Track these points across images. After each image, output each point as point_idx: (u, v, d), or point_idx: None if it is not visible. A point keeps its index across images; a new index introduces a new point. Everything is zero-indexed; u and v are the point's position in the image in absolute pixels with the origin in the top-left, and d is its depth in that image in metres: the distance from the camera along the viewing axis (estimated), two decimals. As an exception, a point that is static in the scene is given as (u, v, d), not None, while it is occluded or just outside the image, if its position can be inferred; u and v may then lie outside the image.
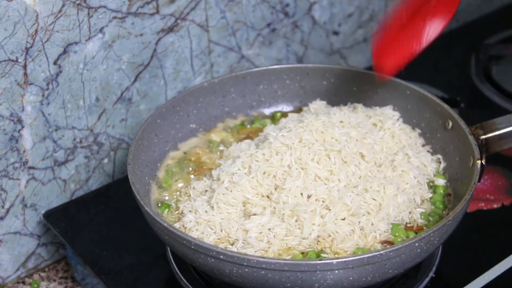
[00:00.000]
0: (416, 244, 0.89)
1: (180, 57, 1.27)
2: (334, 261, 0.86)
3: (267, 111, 1.24)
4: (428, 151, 1.12)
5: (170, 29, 1.23)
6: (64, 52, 1.12)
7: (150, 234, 1.00)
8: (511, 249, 1.08)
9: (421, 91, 1.14)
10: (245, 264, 0.88)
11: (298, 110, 1.23)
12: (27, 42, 1.07)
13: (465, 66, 1.50)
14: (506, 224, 1.14)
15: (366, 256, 0.87)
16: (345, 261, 0.86)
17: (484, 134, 1.04)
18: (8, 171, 1.13)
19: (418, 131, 1.15)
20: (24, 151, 1.14)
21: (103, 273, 1.07)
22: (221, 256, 0.89)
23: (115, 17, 1.15)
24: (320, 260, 0.86)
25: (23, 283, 1.22)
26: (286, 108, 1.24)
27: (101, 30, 1.14)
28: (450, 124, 1.09)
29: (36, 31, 1.07)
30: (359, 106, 1.18)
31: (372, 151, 1.08)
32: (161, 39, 1.22)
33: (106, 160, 1.26)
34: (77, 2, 1.09)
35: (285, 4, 1.36)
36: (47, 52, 1.10)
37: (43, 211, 1.20)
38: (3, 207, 1.15)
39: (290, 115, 1.19)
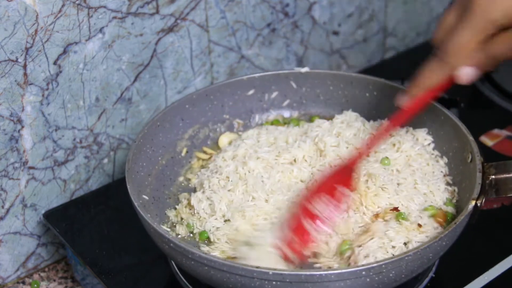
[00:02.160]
0: (363, 273, 0.87)
1: (180, 57, 1.27)
2: (270, 271, 0.86)
3: (307, 114, 1.23)
4: (448, 182, 1.08)
5: (170, 29, 1.23)
6: (64, 52, 1.12)
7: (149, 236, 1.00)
8: (511, 249, 1.08)
9: (453, 118, 1.09)
10: (189, 256, 0.91)
11: (332, 117, 1.19)
12: (27, 42, 1.07)
13: (465, 66, 1.50)
14: (506, 224, 1.14)
15: (304, 273, 0.87)
16: (281, 274, 0.86)
17: (496, 174, 0.98)
18: (8, 171, 1.13)
19: (445, 159, 1.11)
20: (24, 151, 1.14)
21: (103, 273, 1.07)
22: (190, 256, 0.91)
23: (115, 17, 1.15)
24: (257, 267, 0.87)
25: (23, 283, 1.22)
26: (325, 113, 1.22)
27: (101, 30, 1.14)
28: (470, 157, 1.04)
29: (36, 31, 1.07)
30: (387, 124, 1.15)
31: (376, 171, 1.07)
32: (161, 39, 1.22)
33: (106, 160, 1.26)
34: (77, 2, 1.10)
35: (285, 4, 1.36)
36: (47, 52, 1.10)
37: (43, 211, 1.20)
38: (3, 207, 1.15)
39: (316, 121, 1.18)
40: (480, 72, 0.94)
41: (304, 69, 1.21)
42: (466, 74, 0.94)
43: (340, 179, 1.02)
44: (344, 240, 0.98)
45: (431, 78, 0.96)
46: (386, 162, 1.07)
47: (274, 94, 1.23)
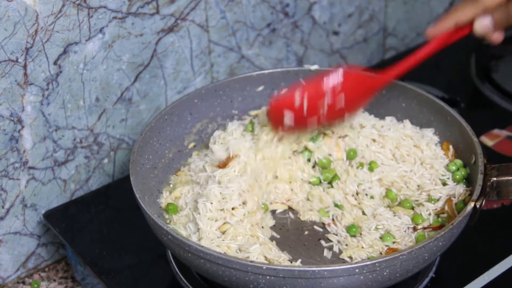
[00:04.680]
0: (357, 270, 0.88)
1: (180, 57, 1.27)
2: (264, 266, 0.88)
3: None
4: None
5: (170, 29, 1.23)
6: (64, 52, 1.12)
7: (150, 234, 1.00)
8: (511, 249, 1.08)
9: (460, 120, 1.09)
10: (187, 249, 0.92)
11: None
12: (27, 42, 1.07)
13: (465, 66, 1.50)
14: (506, 224, 1.14)
15: (297, 269, 0.87)
16: (275, 269, 0.87)
17: (498, 176, 0.98)
18: (8, 171, 1.13)
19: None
20: (24, 151, 1.14)
21: (103, 273, 1.07)
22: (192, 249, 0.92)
23: (115, 17, 1.15)
24: (251, 262, 0.88)
25: (23, 283, 1.22)
26: None
27: (101, 30, 1.14)
28: (474, 159, 1.04)
29: (36, 31, 1.07)
30: (389, 119, 1.17)
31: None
32: (161, 39, 1.22)
33: (106, 160, 1.26)
34: (77, 2, 1.10)
35: (285, 4, 1.36)
36: (47, 52, 1.10)
37: (43, 211, 1.20)
38: (3, 207, 1.15)
39: None
40: (495, 28, 1.01)
41: (314, 67, 1.21)
42: (483, 24, 1.01)
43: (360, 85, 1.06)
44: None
45: (463, 14, 1.01)
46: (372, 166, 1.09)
47: (283, 91, 1.23)
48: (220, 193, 1.01)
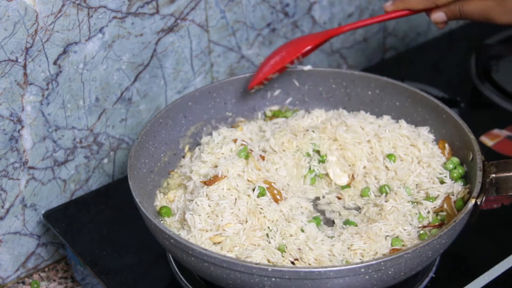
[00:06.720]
0: (362, 270, 0.88)
1: (180, 57, 1.27)
2: (270, 268, 0.87)
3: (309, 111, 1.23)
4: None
5: (170, 29, 1.23)
6: (64, 52, 1.12)
7: (150, 234, 1.00)
8: (511, 249, 1.08)
9: (455, 117, 1.09)
10: (191, 253, 0.91)
11: None
12: (27, 42, 1.07)
13: (465, 66, 1.50)
14: (506, 224, 1.14)
15: (303, 270, 0.88)
16: (280, 270, 0.87)
17: (496, 173, 0.99)
18: (8, 171, 1.13)
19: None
20: (24, 151, 1.14)
21: (103, 273, 1.07)
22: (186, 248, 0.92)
23: (115, 17, 1.15)
24: (256, 264, 0.88)
25: (23, 283, 1.22)
26: (328, 111, 1.21)
27: (101, 30, 1.14)
28: (471, 156, 1.05)
29: (36, 31, 1.07)
30: (386, 118, 1.17)
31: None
32: (161, 39, 1.22)
33: (106, 160, 1.26)
34: (77, 2, 1.10)
35: (285, 4, 1.36)
36: (47, 52, 1.10)
37: (43, 211, 1.20)
38: (3, 207, 1.15)
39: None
40: (447, 20, 1.15)
41: (307, 67, 1.21)
42: (438, 16, 1.15)
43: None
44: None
45: (416, 4, 1.15)
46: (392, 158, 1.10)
47: (277, 92, 1.23)
48: (209, 205, 1.00)
